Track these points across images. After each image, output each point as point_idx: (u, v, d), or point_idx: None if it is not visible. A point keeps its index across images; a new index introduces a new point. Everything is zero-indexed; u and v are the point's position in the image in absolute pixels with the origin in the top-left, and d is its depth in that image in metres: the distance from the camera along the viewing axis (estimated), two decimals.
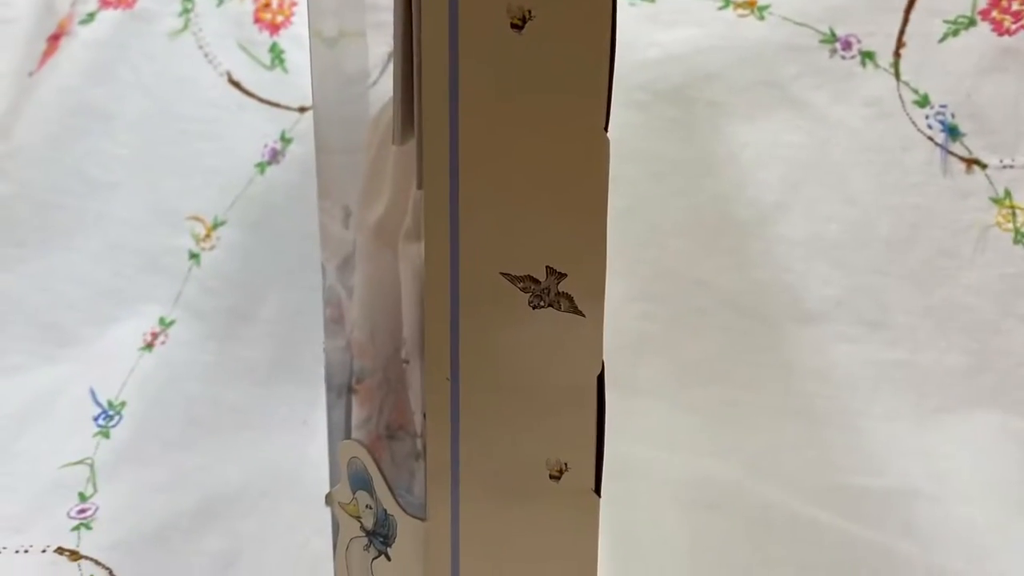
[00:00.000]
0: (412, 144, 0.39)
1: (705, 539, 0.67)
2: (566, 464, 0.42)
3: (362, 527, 0.46)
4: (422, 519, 0.42)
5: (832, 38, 0.79)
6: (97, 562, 0.65)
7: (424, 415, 0.40)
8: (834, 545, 0.66)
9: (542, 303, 0.39)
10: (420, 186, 0.38)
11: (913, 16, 0.78)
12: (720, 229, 0.79)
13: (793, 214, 0.78)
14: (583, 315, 0.39)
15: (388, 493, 0.44)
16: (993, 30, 0.77)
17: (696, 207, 0.80)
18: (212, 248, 0.84)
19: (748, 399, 0.77)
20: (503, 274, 0.39)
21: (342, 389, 0.52)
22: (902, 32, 0.78)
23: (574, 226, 0.39)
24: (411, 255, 0.41)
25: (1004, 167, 0.77)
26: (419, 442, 0.43)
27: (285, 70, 0.85)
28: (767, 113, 0.80)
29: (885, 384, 0.76)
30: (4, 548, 0.66)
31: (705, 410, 0.77)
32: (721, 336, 0.78)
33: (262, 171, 0.84)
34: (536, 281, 0.39)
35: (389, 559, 0.45)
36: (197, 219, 0.84)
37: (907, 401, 0.75)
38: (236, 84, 0.85)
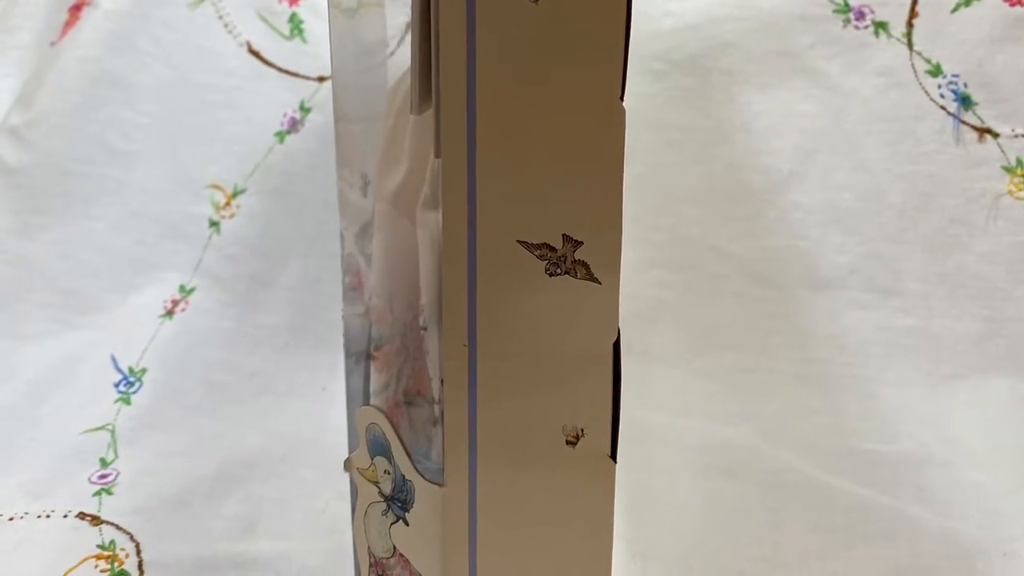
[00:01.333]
0: (430, 114, 0.39)
1: (719, 504, 0.68)
2: (582, 430, 0.42)
3: (380, 492, 0.46)
4: (440, 484, 0.42)
5: (846, 8, 0.79)
6: (118, 527, 0.66)
7: (442, 381, 0.41)
8: (847, 509, 0.66)
9: (558, 271, 0.39)
10: (438, 155, 0.38)
11: None
12: (734, 197, 0.80)
13: (807, 182, 0.78)
14: (599, 282, 0.40)
15: (406, 459, 0.44)
16: (1005, 0, 0.77)
17: (711, 175, 0.80)
18: (232, 216, 0.84)
19: (762, 365, 0.77)
20: (520, 242, 0.39)
21: (360, 355, 0.52)
22: (915, 2, 0.79)
23: (590, 194, 0.39)
24: (429, 223, 0.41)
25: (1016, 136, 0.77)
26: (437, 408, 0.44)
27: (304, 40, 0.86)
28: (781, 82, 0.80)
29: (898, 350, 0.76)
30: (26, 513, 0.66)
31: (719, 376, 0.77)
32: (735, 303, 0.79)
33: (281, 140, 0.85)
34: (553, 249, 0.39)
35: (407, 524, 0.45)
36: (217, 187, 0.85)
37: (920, 367, 0.76)
38: (256, 54, 0.86)
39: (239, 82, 0.86)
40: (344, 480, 0.63)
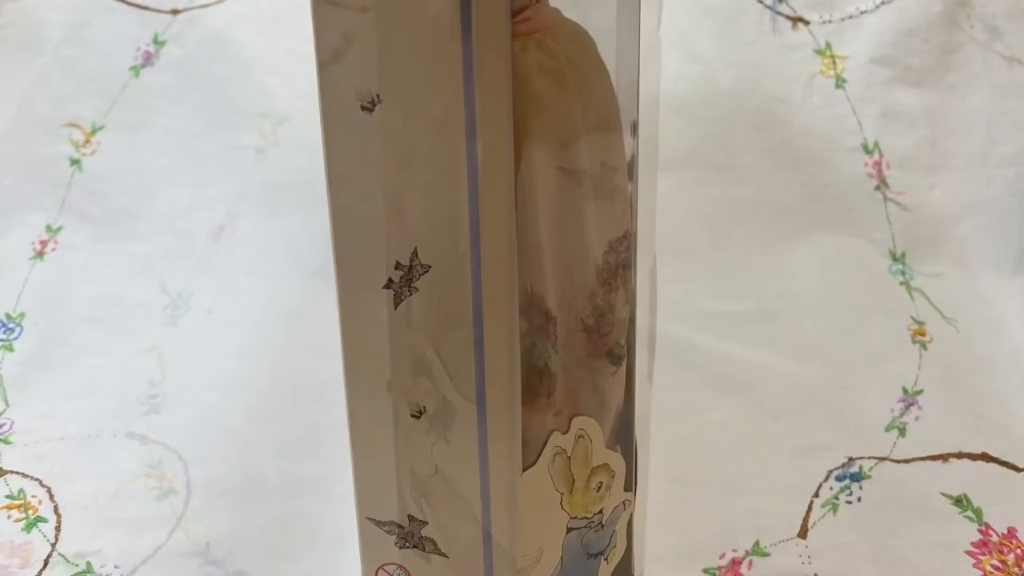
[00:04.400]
0: None
1: None
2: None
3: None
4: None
5: None
6: (24, 475, 0.67)
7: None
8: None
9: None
10: None
11: None
12: None
13: (646, 76, 0.83)
14: None
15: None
16: None
17: None
18: (93, 153, 0.84)
19: None
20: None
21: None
22: None
23: None
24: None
25: (824, 23, 0.85)
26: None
27: None
28: None
29: (736, 219, 0.83)
30: None
31: None
32: None
33: (136, 74, 0.85)
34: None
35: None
36: (75, 125, 0.84)
37: (756, 231, 0.83)
38: None
39: (87, 18, 0.85)
40: (250, 399, 0.66)
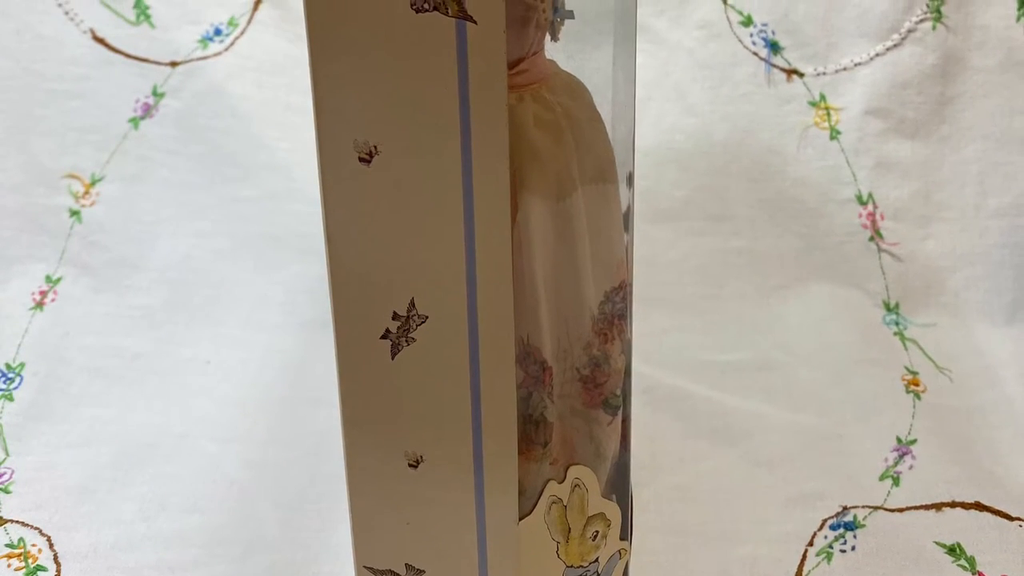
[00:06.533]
0: None
1: None
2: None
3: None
4: None
5: None
6: (24, 524, 0.67)
7: None
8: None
9: None
10: None
11: None
12: None
13: (642, 127, 0.84)
14: None
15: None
16: None
17: None
18: (92, 204, 0.85)
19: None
20: None
21: None
22: None
23: None
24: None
25: (818, 75, 0.86)
26: None
27: (152, 25, 0.86)
28: (612, 39, 0.86)
29: (731, 269, 0.84)
30: None
31: None
32: None
33: (136, 126, 0.86)
34: None
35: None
36: (74, 177, 0.85)
37: (750, 282, 0.84)
38: (101, 41, 0.86)
39: (86, 70, 0.86)
40: (248, 449, 0.66)
